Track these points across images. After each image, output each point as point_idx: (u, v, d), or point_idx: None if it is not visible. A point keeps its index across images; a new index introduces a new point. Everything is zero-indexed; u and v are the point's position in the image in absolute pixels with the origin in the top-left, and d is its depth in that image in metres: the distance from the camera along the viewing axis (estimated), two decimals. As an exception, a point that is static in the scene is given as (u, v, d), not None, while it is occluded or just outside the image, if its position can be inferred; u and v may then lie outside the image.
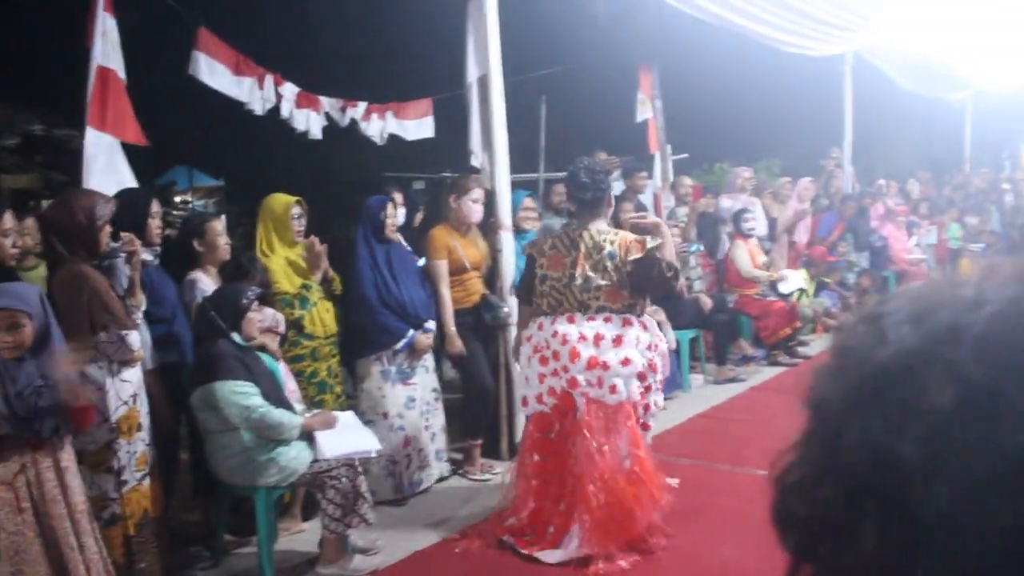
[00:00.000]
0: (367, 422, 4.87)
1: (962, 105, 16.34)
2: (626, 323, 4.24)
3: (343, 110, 7.44)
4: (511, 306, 5.52)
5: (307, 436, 4.06)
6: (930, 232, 12.83)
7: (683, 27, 7.47)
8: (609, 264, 4.21)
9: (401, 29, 10.31)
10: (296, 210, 4.91)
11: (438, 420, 5.28)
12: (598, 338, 4.15)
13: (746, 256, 8.16)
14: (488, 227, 5.66)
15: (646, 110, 8.95)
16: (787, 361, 8.10)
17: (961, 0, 8.58)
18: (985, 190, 16.08)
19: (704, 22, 7.40)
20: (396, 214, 6.06)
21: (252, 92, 6.29)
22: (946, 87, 14.06)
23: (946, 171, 17.34)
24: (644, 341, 4.25)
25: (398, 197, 6.33)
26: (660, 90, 9.39)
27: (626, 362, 4.14)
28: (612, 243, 4.25)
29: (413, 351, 4.98)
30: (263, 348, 4.37)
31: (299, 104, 7.04)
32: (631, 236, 4.33)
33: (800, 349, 8.38)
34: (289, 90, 6.93)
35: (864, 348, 0.60)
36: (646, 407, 4.35)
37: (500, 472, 5.40)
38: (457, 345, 5.26)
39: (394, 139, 7.07)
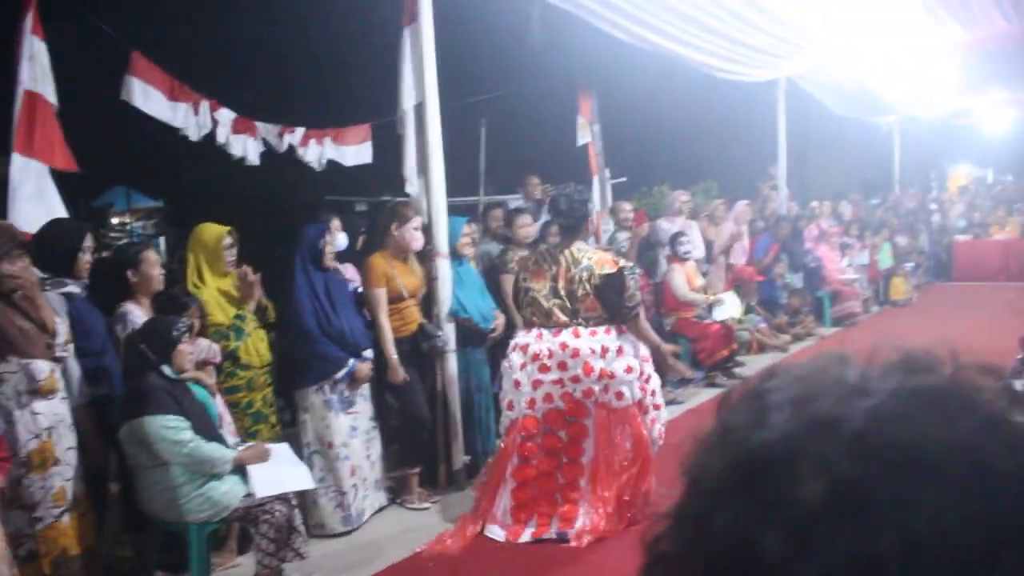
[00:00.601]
0: (312, 453, 4.84)
1: (891, 128, 16.81)
2: (623, 332, 4.77)
3: (281, 136, 7.39)
4: (448, 334, 5.54)
5: (240, 469, 4.01)
6: (863, 253, 13.15)
7: (621, 52, 7.57)
8: (584, 275, 4.69)
9: (340, 54, 10.30)
10: (228, 240, 4.85)
11: (376, 449, 5.25)
12: (604, 350, 4.64)
13: (682, 279, 8.27)
14: (425, 254, 5.66)
15: (586, 134, 9.06)
16: (725, 382, 8.21)
17: (886, 32, 8.82)
18: (914, 211, 16.55)
19: (642, 48, 7.52)
20: (335, 241, 6.04)
21: (187, 118, 6.22)
22: (875, 111, 14.46)
23: (877, 192, 17.81)
24: (638, 347, 4.82)
25: (337, 223, 6.30)
26: (599, 115, 9.53)
27: (629, 370, 4.67)
28: (590, 258, 4.75)
29: (353, 380, 4.95)
30: (197, 380, 4.31)
31: (236, 130, 6.97)
32: (609, 256, 4.90)
33: (737, 370, 8.50)
34: (225, 116, 6.86)
35: (744, 428, 0.59)
36: (653, 392, 4.89)
37: (438, 500, 5.41)
38: (399, 374, 5.24)
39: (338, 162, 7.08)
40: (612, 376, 4.63)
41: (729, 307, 8.60)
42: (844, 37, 8.73)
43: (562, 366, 4.65)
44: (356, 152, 7.89)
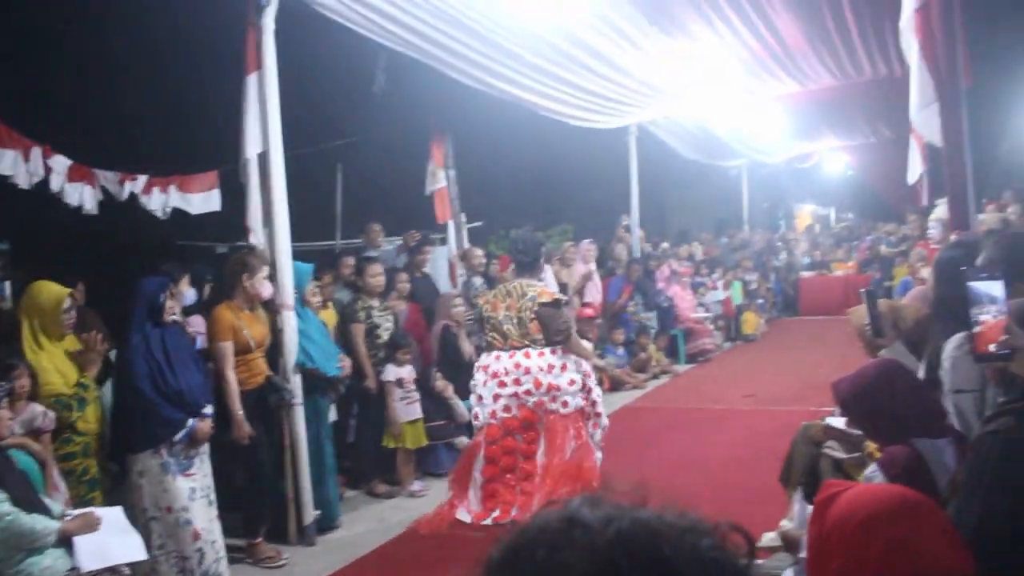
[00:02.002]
0: (150, 519, 4.60)
1: (739, 171, 17.59)
2: (567, 352, 5.70)
3: (121, 183, 7.14)
4: (295, 386, 5.43)
5: (67, 541, 3.78)
6: (716, 291, 13.66)
7: (476, 97, 7.67)
8: (530, 304, 5.66)
9: (187, 100, 10.05)
10: (67, 303, 4.59)
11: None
12: (551, 367, 5.59)
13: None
14: (270, 304, 5.54)
15: (437, 180, 9.10)
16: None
17: (724, 84, 9.27)
18: (763, 250, 17.33)
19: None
20: (180, 295, 5.83)
21: (16, 165, 5.95)
22: (722, 156, 15.09)
23: (728, 231, 18.56)
24: (580, 363, 5.76)
25: (186, 279, 6.10)
26: (455, 159, 9.60)
27: (572, 383, 5.63)
28: (535, 290, 5.75)
29: (192, 440, 4.74)
30: (21, 446, 4.06)
31: (71, 178, 6.70)
32: (549, 289, 6.09)
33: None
34: (60, 163, 6.59)
35: None
36: (593, 403, 5.80)
37: (288, 558, 5.25)
38: (245, 430, 5.09)
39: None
40: (558, 388, 5.57)
41: None
42: (685, 88, 9.12)
43: (516, 382, 5.61)
44: (203, 199, 7.69)
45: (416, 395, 6.64)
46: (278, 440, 5.44)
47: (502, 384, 5.64)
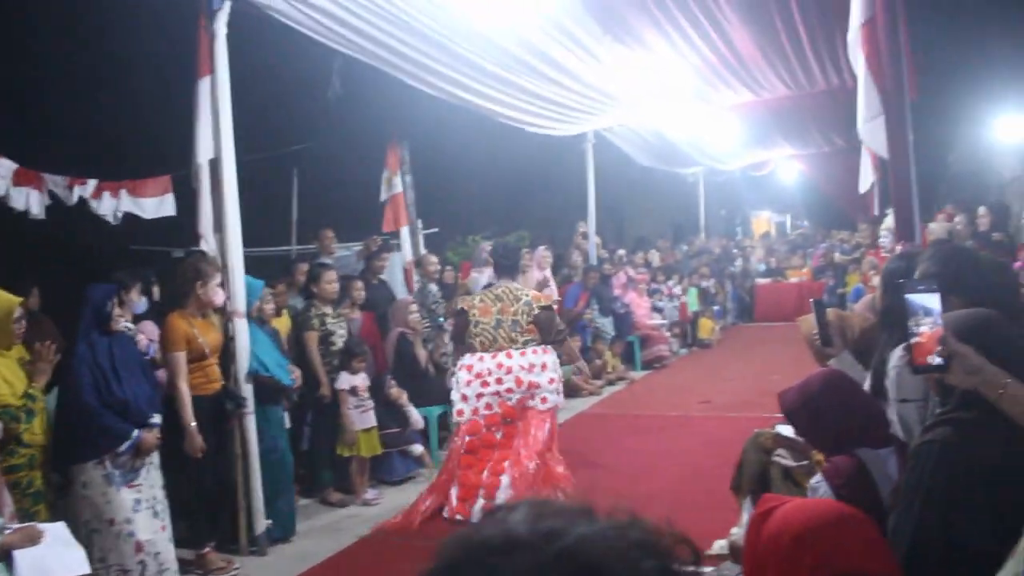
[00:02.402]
0: (91, 532, 4.50)
1: (696, 178, 17.73)
2: (546, 351, 6.11)
3: (70, 187, 7.03)
4: (247, 395, 5.37)
5: (7, 556, 3.69)
6: (672, 298, 13.75)
7: (433, 103, 7.64)
8: (526, 308, 6.07)
9: (139, 103, 9.91)
10: (18, 313, 4.49)
11: (169, 518, 4.96)
12: (531, 367, 5.99)
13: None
14: (222, 310, 5.47)
15: (393, 186, 9.06)
16: (536, 430, 8.32)
17: (679, 93, 9.35)
18: (720, 256, 17.49)
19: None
20: (130, 303, 5.73)
21: (-45, 169, 5.84)
22: (679, 163, 15.20)
23: (685, 238, 18.71)
24: (557, 363, 6.19)
25: (137, 287, 5.99)
26: (411, 165, 9.57)
27: (552, 381, 6.05)
28: (527, 295, 6.19)
29: (138, 451, 4.66)
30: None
31: (17, 181, 6.59)
32: (537, 292, 6.58)
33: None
34: (5, 166, 6.48)
35: None
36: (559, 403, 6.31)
37: (239, 567, 5.19)
38: (197, 442, 5.01)
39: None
40: (538, 386, 5.99)
41: None
42: (641, 96, 9.18)
43: (499, 381, 5.97)
44: (157, 204, 7.59)
45: (370, 403, 6.60)
46: (231, 449, 5.37)
47: (485, 384, 5.98)
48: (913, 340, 2.01)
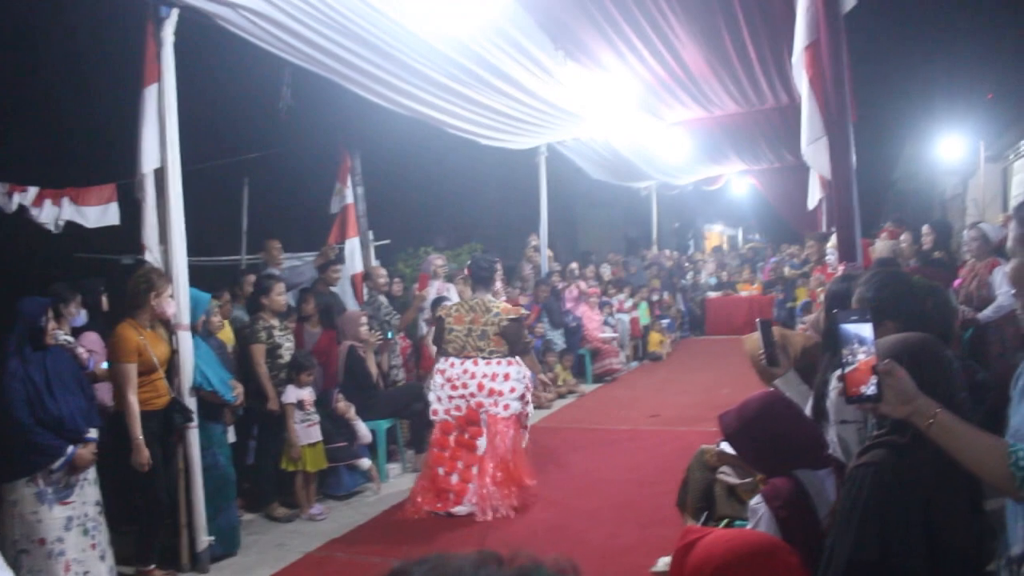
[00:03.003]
0: (20, 552, 4.38)
1: (648, 192, 17.86)
2: (510, 363, 6.58)
3: (9, 195, 6.89)
4: (194, 407, 5.28)
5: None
6: (624, 312, 13.82)
7: (385, 115, 7.59)
8: (495, 320, 6.55)
9: (81, 111, 9.72)
10: None
11: (104, 535, 4.83)
12: (495, 375, 6.51)
13: (441, 342, 8.32)
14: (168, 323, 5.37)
15: (344, 197, 9.00)
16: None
17: (630, 109, 9.43)
18: (671, 270, 17.63)
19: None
20: (68, 316, 5.59)
21: None
22: (631, 178, 15.29)
23: (638, 251, 18.83)
24: (522, 374, 6.61)
25: (77, 299, 5.85)
26: (363, 176, 9.50)
27: (513, 390, 6.52)
28: (497, 307, 6.66)
29: (73, 467, 4.55)
30: None
31: (-47, 188, 6.43)
32: (509, 305, 6.87)
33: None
34: (-59, 173, 6.32)
35: None
36: (526, 415, 6.82)
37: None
38: (144, 455, 4.89)
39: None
40: (500, 393, 6.48)
41: None
42: (592, 111, 9.23)
43: (464, 385, 6.52)
44: (100, 213, 7.46)
45: (316, 417, 6.53)
46: (175, 464, 5.27)
47: (454, 387, 6.55)
48: (847, 369, 2.03)
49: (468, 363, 6.55)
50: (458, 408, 6.53)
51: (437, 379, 6.64)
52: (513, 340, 6.58)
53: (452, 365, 6.58)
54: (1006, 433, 2.05)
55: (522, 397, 6.59)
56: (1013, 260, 1.91)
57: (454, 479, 6.34)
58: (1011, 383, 2.16)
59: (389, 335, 7.90)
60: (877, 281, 2.93)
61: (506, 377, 6.51)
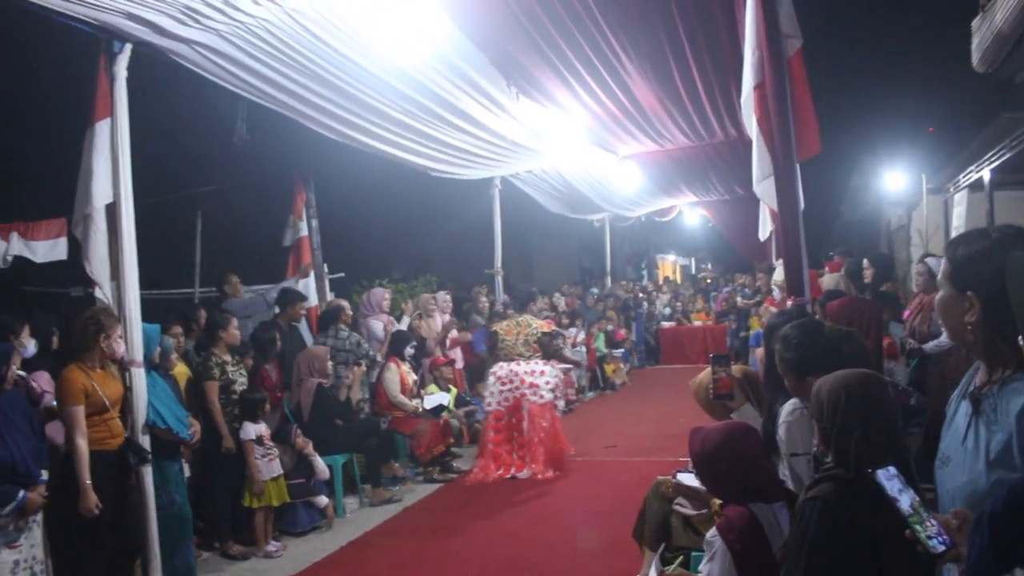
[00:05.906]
0: (-37, 597, 4.28)
1: (602, 223, 18.02)
2: (546, 363, 8.67)
3: (-44, 230, 6.79)
4: (147, 445, 5.19)
5: None
6: (580, 343, 13.88)
7: (339, 148, 7.59)
8: (535, 332, 8.72)
9: (30, 145, 9.60)
10: None
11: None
12: (533, 372, 8.51)
13: (396, 380, 8.32)
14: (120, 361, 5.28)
15: (298, 230, 8.98)
16: (442, 478, 8.30)
17: (581, 143, 9.56)
18: (626, 300, 17.77)
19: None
20: (19, 349, 5.47)
21: None
22: (584, 210, 15.43)
23: (595, 281, 18.93)
24: (554, 373, 8.72)
25: (22, 329, 5.74)
26: (317, 209, 9.49)
27: (548, 383, 8.52)
28: (537, 324, 8.92)
29: (23, 511, 4.44)
30: None
31: (-101, 223, 6.31)
32: (544, 322, 9.32)
33: (454, 463, 8.61)
34: None
35: None
36: (558, 401, 8.98)
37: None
38: (91, 500, 4.77)
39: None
40: (537, 386, 8.45)
41: (439, 396, 8.80)
42: (545, 145, 9.34)
43: (511, 381, 8.50)
44: (49, 248, 7.38)
45: (275, 451, 6.48)
46: (132, 504, 5.16)
47: (503, 383, 8.50)
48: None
49: (513, 364, 8.53)
50: (507, 399, 8.46)
51: (491, 379, 8.60)
52: (545, 348, 8.78)
53: (502, 367, 8.56)
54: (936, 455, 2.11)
55: (554, 389, 8.56)
56: (939, 292, 2.01)
57: (514, 456, 8.35)
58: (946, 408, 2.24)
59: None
60: (794, 341, 3.17)
61: (541, 373, 8.49)
